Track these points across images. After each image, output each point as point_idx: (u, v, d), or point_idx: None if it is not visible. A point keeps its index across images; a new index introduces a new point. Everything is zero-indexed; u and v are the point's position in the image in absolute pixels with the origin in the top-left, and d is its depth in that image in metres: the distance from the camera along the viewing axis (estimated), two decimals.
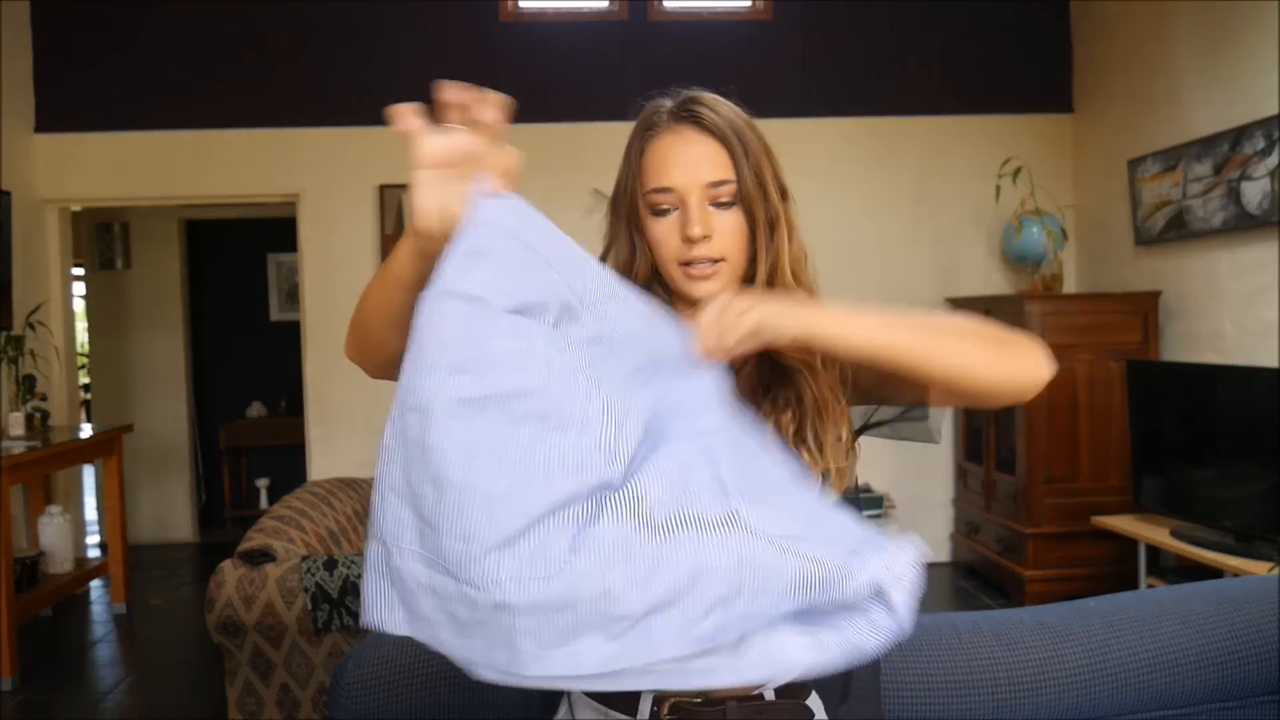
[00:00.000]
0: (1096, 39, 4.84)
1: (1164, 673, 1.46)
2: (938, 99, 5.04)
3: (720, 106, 1.13)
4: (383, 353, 1.02)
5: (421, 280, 0.91)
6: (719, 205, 1.10)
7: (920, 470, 5.04)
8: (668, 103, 1.14)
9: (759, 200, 1.11)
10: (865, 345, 0.95)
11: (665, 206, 1.11)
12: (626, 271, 1.13)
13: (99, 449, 4.54)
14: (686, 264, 1.10)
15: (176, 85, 4.87)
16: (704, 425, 0.91)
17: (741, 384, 1.15)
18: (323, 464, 4.93)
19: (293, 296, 6.26)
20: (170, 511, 6.15)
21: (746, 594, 0.82)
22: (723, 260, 1.10)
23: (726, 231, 1.10)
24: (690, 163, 1.10)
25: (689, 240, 1.09)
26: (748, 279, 1.14)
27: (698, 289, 1.10)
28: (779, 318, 0.94)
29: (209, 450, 6.46)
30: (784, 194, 1.14)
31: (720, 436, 0.91)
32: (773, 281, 1.12)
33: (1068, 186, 5.04)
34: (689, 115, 1.11)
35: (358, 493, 3.66)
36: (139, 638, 4.32)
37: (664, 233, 1.11)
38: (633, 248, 1.14)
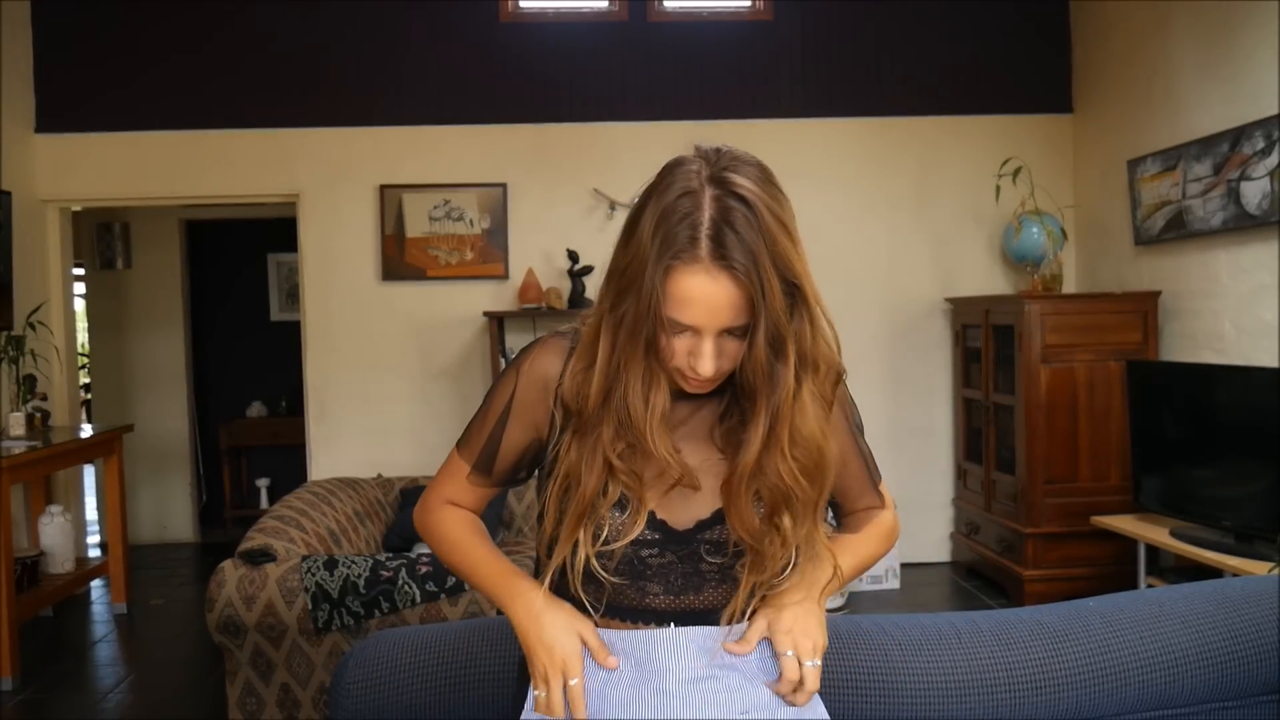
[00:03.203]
0: (1096, 39, 4.84)
1: (1164, 672, 1.46)
2: (938, 99, 5.04)
3: (749, 233, 1.04)
4: None
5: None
6: (731, 334, 1.09)
7: (920, 470, 5.04)
8: (701, 223, 1.04)
9: (775, 328, 1.07)
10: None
11: (680, 331, 1.09)
12: (642, 408, 1.11)
13: (99, 449, 4.54)
14: (687, 377, 1.12)
15: (177, 85, 4.87)
16: None
17: (717, 425, 1.20)
18: (323, 464, 4.94)
19: (293, 296, 6.26)
20: (170, 511, 6.15)
21: None
22: (719, 378, 1.12)
23: (731, 355, 1.11)
24: (715, 308, 1.06)
25: (695, 371, 1.10)
26: (757, 420, 1.13)
27: (691, 387, 1.14)
28: (823, 631, 1.21)
29: (209, 450, 6.47)
30: (799, 289, 1.08)
31: None
32: (803, 361, 1.11)
33: (1067, 186, 5.04)
34: (722, 258, 1.04)
35: (358, 493, 3.66)
36: (139, 637, 4.32)
37: (674, 348, 1.10)
38: (649, 378, 1.11)
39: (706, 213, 1.05)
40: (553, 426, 1.21)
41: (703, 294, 1.05)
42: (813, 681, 1.17)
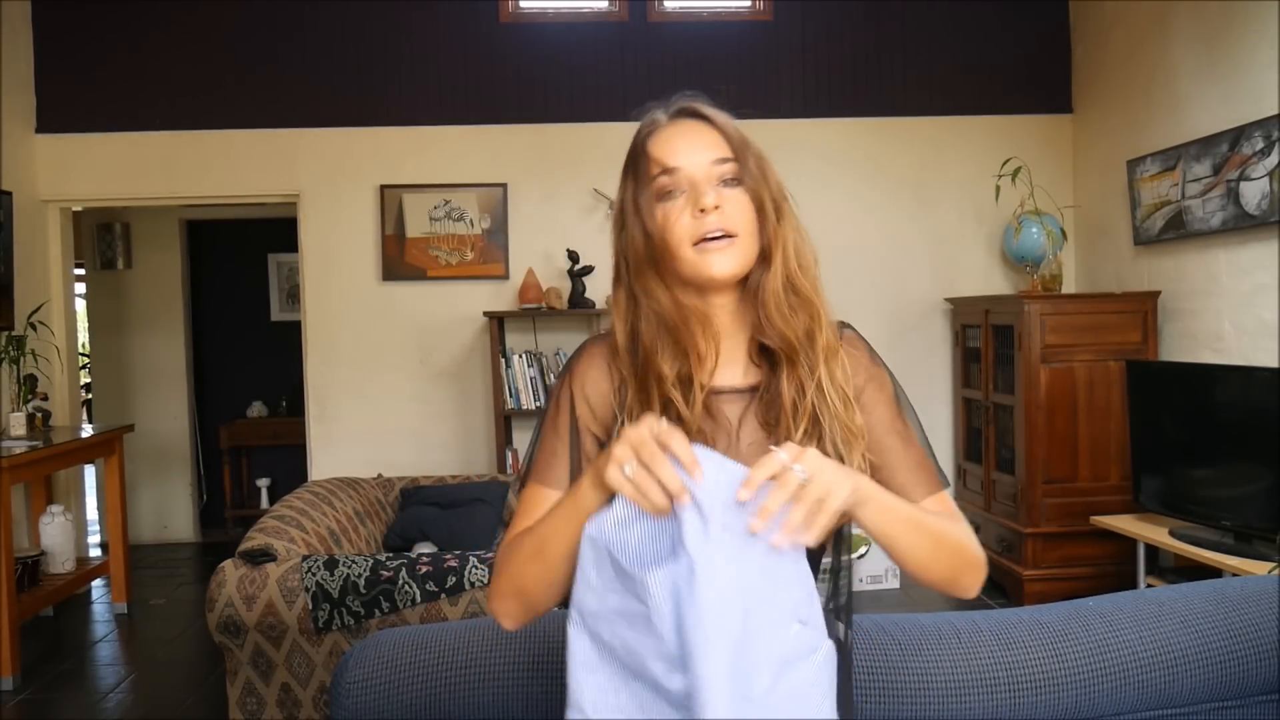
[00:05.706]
0: (1096, 39, 4.84)
1: (1163, 672, 1.46)
2: (938, 99, 5.04)
3: (715, 109, 1.18)
4: (542, 609, 1.12)
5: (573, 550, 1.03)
6: (725, 183, 1.13)
7: None
8: (662, 110, 1.20)
9: (762, 183, 1.14)
10: (882, 536, 1.05)
11: (671, 188, 1.13)
12: (640, 254, 1.14)
13: (100, 449, 4.54)
14: (700, 241, 1.11)
15: (177, 85, 4.87)
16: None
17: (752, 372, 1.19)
18: (323, 464, 4.94)
19: (293, 296, 6.26)
20: (171, 511, 6.16)
21: None
22: (736, 236, 1.12)
23: (736, 204, 1.12)
24: (694, 145, 1.13)
25: (701, 211, 1.10)
26: (761, 262, 1.15)
27: (714, 264, 1.11)
28: (847, 501, 0.98)
29: (209, 450, 6.46)
30: (783, 194, 1.18)
31: None
32: (789, 264, 1.15)
33: (1067, 186, 5.04)
34: (688, 111, 1.17)
35: (358, 492, 3.66)
36: (140, 637, 4.32)
37: (674, 213, 1.12)
38: (645, 232, 1.14)
39: (667, 108, 1.19)
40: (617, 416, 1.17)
41: (676, 139, 1.14)
42: (799, 504, 0.94)
